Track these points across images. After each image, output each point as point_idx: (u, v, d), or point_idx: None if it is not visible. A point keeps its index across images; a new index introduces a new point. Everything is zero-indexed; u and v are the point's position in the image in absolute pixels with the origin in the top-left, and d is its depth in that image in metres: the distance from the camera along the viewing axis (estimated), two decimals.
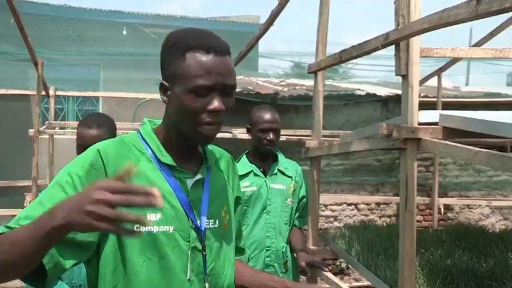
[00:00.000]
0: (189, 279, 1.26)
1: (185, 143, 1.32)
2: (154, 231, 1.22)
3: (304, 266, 2.90)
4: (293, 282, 1.62)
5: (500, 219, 7.39)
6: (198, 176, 1.32)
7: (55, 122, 7.13)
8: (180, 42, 1.25)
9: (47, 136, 6.82)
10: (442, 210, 6.79)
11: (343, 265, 6.35)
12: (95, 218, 0.93)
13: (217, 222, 1.34)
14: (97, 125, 2.26)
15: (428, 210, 6.92)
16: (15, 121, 9.64)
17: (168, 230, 1.24)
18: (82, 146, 2.18)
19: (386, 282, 3.19)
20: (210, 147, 1.46)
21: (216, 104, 1.22)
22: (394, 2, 2.46)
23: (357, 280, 6.13)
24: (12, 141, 9.68)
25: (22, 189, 7.76)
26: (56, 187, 1.20)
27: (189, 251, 1.26)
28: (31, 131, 6.06)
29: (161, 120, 1.37)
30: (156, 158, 1.28)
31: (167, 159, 1.29)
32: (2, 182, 8.83)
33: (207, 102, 1.22)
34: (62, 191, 1.18)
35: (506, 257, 3.68)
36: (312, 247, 3.61)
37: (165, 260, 1.23)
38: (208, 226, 1.31)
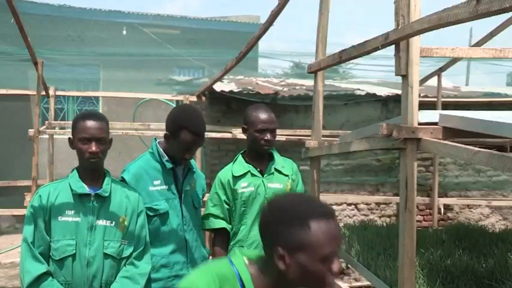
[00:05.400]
0: None
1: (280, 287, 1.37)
2: None
3: None
4: None
5: (500, 219, 7.39)
6: None
7: (55, 122, 7.14)
8: (295, 211, 1.31)
9: (47, 136, 6.82)
10: (442, 210, 6.79)
11: (343, 265, 6.35)
12: None
13: None
14: (100, 118, 2.27)
15: (428, 210, 6.92)
16: (15, 121, 9.65)
17: None
18: (84, 138, 2.18)
19: (386, 282, 3.19)
20: None
21: (337, 265, 1.32)
22: (394, 2, 2.46)
23: (357, 280, 6.12)
24: (12, 141, 9.68)
25: (22, 189, 7.75)
26: None
27: None
28: (31, 131, 6.06)
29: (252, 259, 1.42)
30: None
31: None
32: (2, 182, 8.83)
33: (330, 265, 1.31)
34: None
35: (506, 257, 3.68)
36: None
37: None
38: None
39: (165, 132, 2.51)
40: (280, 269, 1.31)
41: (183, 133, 2.41)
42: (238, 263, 1.39)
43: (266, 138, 2.75)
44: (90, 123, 2.21)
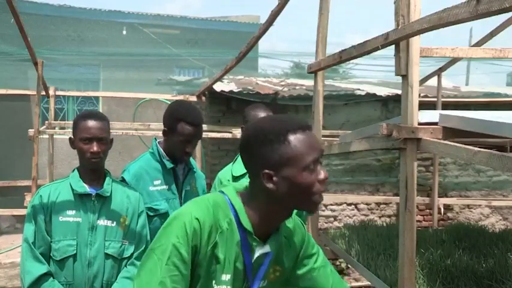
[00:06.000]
0: None
1: (274, 217, 1.42)
2: None
3: None
4: None
5: (500, 219, 7.39)
6: (267, 249, 1.43)
7: (55, 122, 7.13)
8: (274, 130, 1.36)
9: (47, 136, 6.82)
10: (442, 210, 6.79)
11: (343, 265, 6.35)
12: None
13: (266, 282, 1.47)
14: (101, 118, 2.27)
15: (428, 210, 6.92)
16: (15, 121, 9.65)
17: None
18: (85, 138, 2.18)
19: (386, 282, 3.19)
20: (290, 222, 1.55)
21: (323, 172, 1.37)
22: (394, 2, 2.46)
23: (357, 280, 6.13)
24: (12, 141, 9.68)
25: (22, 189, 7.76)
26: (169, 265, 1.31)
27: None
28: (31, 131, 6.06)
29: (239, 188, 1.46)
30: (239, 221, 1.39)
31: (248, 225, 1.39)
32: (2, 182, 8.84)
33: (317, 174, 1.36)
34: (176, 271, 1.31)
35: (506, 257, 3.68)
36: None
37: None
38: (259, 286, 1.45)
39: (163, 129, 2.52)
40: (270, 190, 1.35)
41: (180, 125, 2.41)
42: (229, 192, 1.43)
43: None
44: (92, 123, 2.21)
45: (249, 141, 1.39)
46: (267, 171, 1.34)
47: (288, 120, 1.39)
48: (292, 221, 1.55)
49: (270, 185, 1.35)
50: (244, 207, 1.41)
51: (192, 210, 1.36)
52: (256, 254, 1.41)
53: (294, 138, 1.34)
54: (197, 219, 1.33)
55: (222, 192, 1.45)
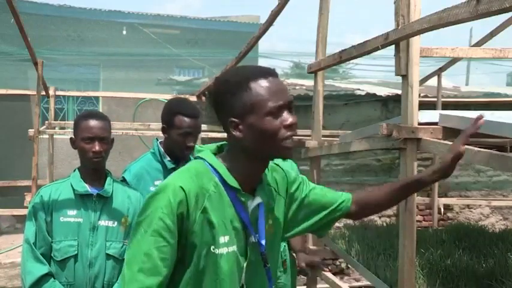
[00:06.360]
0: (242, 285, 1.41)
1: (254, 168, 1.43)
2: (224, 253, 1.37)
3: (303, 267, 2.90)
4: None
5: (500, 219, 7.39)
6: (258, 200, 1.44)
7: (55, 122, 7.13)
8: (237, 78, 1.38)
9: (47, 136, 6.82)
10: (442, 210, 6.79)
11: (343, 265, 6.35)
12: None
13: (268, 235, 1.48)
14: (102, 117, 2.27)
15: (428, 210, 6.92)
16: (15, 121, 9.64)
17: (233, 249, 1.39)
18: (87, 138, 2.18)
19: (386, 282, 3.19)
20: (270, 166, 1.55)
21: (290, 118, 1.37)
22: (394, 2, 2.46)
23: (357, 280, 6.12)
24: (12, 141, 9.68)
25: (22, 189, 7.76)
26: (155, 236, 1.31)
27: (245, 264, 1.42)
28: (31, 131, 6.06)
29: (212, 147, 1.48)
30: (224, 183, 1.39)
31: (234, 183, 1.39)
32: (2, 182, 8.84)
33: (283, 119, 1.36)
34: (163, 241, 1.31)
35: (506, 257, 3.68)
36: (311, 247, 3.61)
37: (226, 273, 1.38)
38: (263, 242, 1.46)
39: (162, 126, 2.53)
40: (239, 139, 1.36)
41: (177, 118, 2.42)
42: (207, 156, 1.44)
43: None
44: (93, 123, 2.21)
45: (216, 93, 1.41)
46: (233, 119, 1.36)
47: (251, 69, 1.40)
48: (270, 168, 1.55)
49: (237, 133, 1.36)
50: (225, 166, 1.41)
51: (175, 180, 1.37)
52: (250, 208, 1.42)
53: (256, 85, 1.35)
54: (181, 187, 1.33)
55: (200, 158, 1.45)
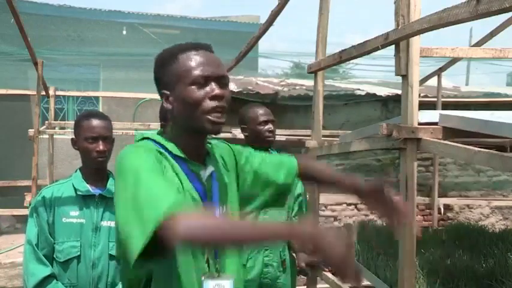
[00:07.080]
0: (207, 260, 1.38)
1: (193, 140, 1.41)
2: None
3: (303, 267, 2.91)
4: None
5: (500, 219, 7.39)
6: (211, 169, 1.43)
7: (55, 122, 7.13)
8: (169, 52, 1.40)
9: (47, 136, 6.82)
10: (442, 210, 6.79)
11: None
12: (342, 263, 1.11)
13: (224, 208, 1.46)
14: (104, 117, 2.28)
15: (428, 210, 6.92)
16: (15, 121, 9.64)
17: None
18: (91, 137, 2.18)
19: (386, 282, 3.19)
20: (213, 142, 1.55)
21: (216, 90, 1.34)
22: (394, 2, 2.46)
23: None
24: (12, 141, 9.67)
25: (22, 189, 7.76)
26: (152, 173, 1.25)
27: None
28: (31, 131, 6.06)
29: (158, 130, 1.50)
30: (173, 155, 1.39)
31: (179, 152, 1.39)
32: (2, 182, 8.83)
33: (208, 91, 1.34)
34: (160, 175, 1.26)
35: (506, 257, 3.68)
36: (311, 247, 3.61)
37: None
38: (220, 212, 1.44)
39: (160, 123, 2.53)
40: (169, 111, 1.37)
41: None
42: (151, 135, 1.45)
43: (270, 128, 2.84)
44: (96, 122, 2.21)
45: (154, 68, 1.43)
46: (164, 91, 1.39)
47: (185, 44, 1.41)
48: (213, 145, 1.54)
49: (168, 105, 1.38)
50: (168, 141, 1.41)
51: (133, 151, 1.34)
52: (204, 178, 1.40)
53: (183, 56, 1.36)
54: (145, 152, 1.33)
55: (144, 138, 1.45)
